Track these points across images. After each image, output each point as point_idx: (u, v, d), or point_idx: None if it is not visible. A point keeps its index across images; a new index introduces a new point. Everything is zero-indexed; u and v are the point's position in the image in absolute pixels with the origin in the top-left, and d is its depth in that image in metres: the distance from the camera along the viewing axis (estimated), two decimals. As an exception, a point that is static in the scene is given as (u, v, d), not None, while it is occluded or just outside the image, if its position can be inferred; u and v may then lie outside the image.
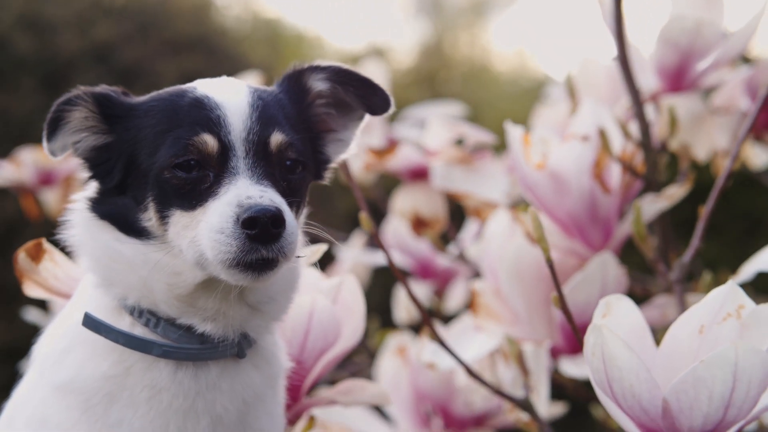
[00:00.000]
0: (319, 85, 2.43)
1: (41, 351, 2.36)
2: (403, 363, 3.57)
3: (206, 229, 2.17)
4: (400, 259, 4.31)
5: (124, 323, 2.28)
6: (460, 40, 16.00)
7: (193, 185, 2.23)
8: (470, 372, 2.87)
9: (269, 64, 10.42)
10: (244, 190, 2.18)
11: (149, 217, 2.26)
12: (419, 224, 3.86)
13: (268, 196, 2.18)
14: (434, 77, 13.07)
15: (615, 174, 3.04)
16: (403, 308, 4.55)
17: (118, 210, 2.30)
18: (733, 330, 2.15)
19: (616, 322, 2.22)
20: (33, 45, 7.47)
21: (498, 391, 2.90)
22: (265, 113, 2.30)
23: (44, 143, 2.31)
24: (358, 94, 2.44)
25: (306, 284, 2.63)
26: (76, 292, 2.42)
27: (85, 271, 2.35)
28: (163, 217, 2.24)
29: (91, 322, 2.27)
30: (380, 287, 5.70)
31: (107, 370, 2.26)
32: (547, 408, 2.98)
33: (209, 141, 2.23)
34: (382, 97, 2.44)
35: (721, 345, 2.04)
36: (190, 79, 2.37)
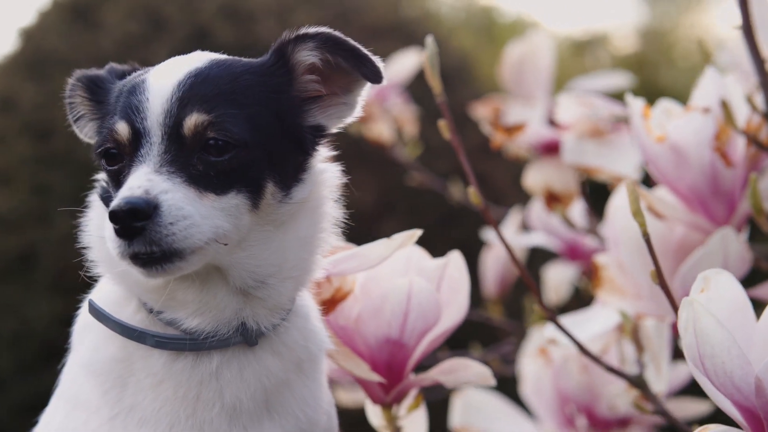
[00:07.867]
0: (307, 56, 2.30)
1: (76, 323, 2.37)
2: (545, 364, 3.51)
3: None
4: (546, 240, 4.25)
5: (128, 310, 2.26)
6: (680, 23, 15.51)
7: (116, 175, 2.20)
8: (582, 349, 2.83)
9: (474, 50, 10.35)
10: (132, 182, 2.10)
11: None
12: (551, 199, 3.81)
13: (145, 187, 2.06)
14: (655, 63, 12.66)
15: (739, 147, 2.93)
16: (552, 290, 4.49)
17: (106, 193, 2.30)
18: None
19: (716, 296, 2.16)
20: (233, 34, 7.62)
21: (610, 368, 2.85)
22: (191, 92, 2.18)
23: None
24: (349, 64, 2.31)
25: (409, 265, 2.67)
26: None
27: None
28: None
29: (93, 310, 2.27)
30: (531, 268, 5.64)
31: (115, 354, 2.25)
32: (665, 385, 2.92)
33: (121, 129, 2.17)
34: (371, 69, 2.30)
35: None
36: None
